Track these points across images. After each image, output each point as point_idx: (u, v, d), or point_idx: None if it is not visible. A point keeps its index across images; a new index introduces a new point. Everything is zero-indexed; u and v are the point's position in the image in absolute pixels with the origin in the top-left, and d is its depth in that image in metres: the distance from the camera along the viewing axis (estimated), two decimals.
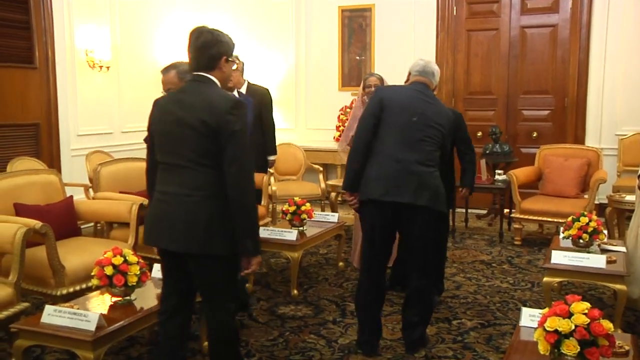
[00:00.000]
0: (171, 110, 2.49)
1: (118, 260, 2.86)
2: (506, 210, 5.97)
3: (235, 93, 4.46)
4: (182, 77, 3.22)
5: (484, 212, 6.79)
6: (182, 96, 2.52)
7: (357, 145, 3.24)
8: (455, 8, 7.02)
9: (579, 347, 2.10)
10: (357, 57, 7.42)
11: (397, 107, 3.21)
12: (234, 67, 4.40)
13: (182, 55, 6.54)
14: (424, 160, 3.17)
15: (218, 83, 2.53)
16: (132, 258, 2.91)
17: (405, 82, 3.50)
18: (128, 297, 2.92)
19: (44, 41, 5.62)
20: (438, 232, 3.41)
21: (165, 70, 3.37)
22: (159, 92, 4.07)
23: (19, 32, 5.43)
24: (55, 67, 5.72)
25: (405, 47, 7.04)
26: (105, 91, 6.30)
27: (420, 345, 3.32)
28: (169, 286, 2.65)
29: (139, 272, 2.89)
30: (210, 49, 2.51)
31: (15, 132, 5.50)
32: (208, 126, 2.37)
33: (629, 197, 4.60)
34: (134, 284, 2.88)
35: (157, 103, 2.67)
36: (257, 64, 5.33)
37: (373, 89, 4.75)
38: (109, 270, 2.82)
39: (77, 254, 3.57)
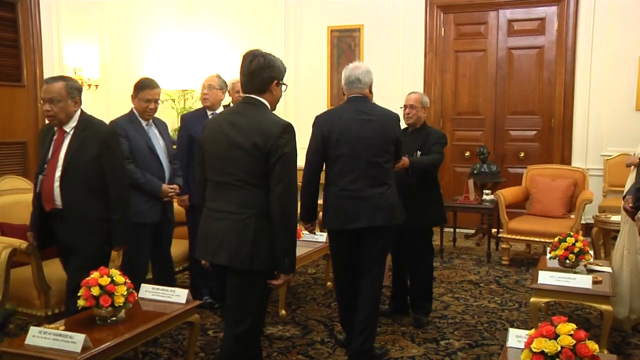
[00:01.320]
0: (224, 131, 2.61)
1: (105, 280, 2.84)
2: (494, 230, 6.00)
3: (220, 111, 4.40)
4: (70, 92, 3.15)
5: (472, 231, 6.83)
6: (234, 118, 2.63)
7: (307, 181, 3.45)
8: (443, 29, 7.13)
9: None
10: None
11: (337, 138, 3.31)
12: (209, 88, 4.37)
13: (169, 74, 6.48)
14: (374, 182, 3.32)
15: (269, 106, 2.66)
16: (119, 278, 2.89)
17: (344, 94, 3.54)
18: (114, 318, 2.90)
19: (32, 59, 5.63)
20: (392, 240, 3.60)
21: (51, 80, 3.22)
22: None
23: (7, 50, 5.44)
24: (44, 85, 5.70)
25: (394, 68, 7.12)
26: (94, 109, 6.16)
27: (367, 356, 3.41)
28: (222, 293, 2.78)
29: (125, 293, 2.88)
30: (262, 72, 2.61)
31: (2, 151, 5.48)
32: (260, 149, 2.50)
33: (615, 218, 4.64)
34: (121, 304, 2.86)
35: (208, 122, 2.80)
36: None
37: None
38: (95, 291, 2.80)
39: (63, 274, 3.54)
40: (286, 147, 2.52)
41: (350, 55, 7.40)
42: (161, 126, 3.92)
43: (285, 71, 2.73)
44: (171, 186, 3.81)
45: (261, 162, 2.52)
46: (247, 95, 2.66)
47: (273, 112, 2.69)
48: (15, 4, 5.53)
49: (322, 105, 7.59)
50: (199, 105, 4.72)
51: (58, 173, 3.12)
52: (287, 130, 2.56)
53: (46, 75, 5.69)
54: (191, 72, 7.26)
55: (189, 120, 4.36)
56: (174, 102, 7.40)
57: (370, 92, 3.47)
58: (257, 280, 2.60)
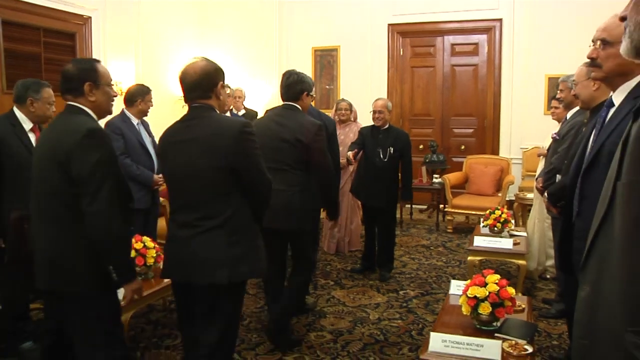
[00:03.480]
0: (271, 128, 2.76)
1: (139, 245, 2.87)
2: (441, 206, 6.06)
3: (228, 114, 4.39)
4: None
5: (425, 207, 6.88)
6: (279, 119, 2.81)
7: None
8: (402, 50, 7.12)
9: (490, 308, 2.18)
10: (327, 87, 7.45)
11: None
12: (228, 91, 4.35)
13: None
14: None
15: (301, 109, 2.83)
16: (150, 244, 2.91)
17: None
18: (146, 274, 2.91)
19: None
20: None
21: (44, 85, 2.89)
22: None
23: None
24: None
25: (364, 79, 7.09)
26: None
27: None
28: (269, 254, 2.77)
29: (155, 255, 2.89)
30: (296, 85, 2.82)
31: None
32: (301, 142, 2.69)
33: (530, 195, 4.71)
34: (152, 263, 2.88)
35: (255, 123, 2.89)
36: (247, 91, 5.42)
37: (343, 111, 4.77)
38: (132, 253, 2.79)
39: None
40: (321, 141, 2.74)
41: (330, 69, 7.37)
42: (146, 125, 3.67)
43: (313, 85, 2.89)
44: (159, 176, 3.51)
45: (302, 151, 2.70)
46: (286, 102, 2.84)
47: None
48: (74, 35, 5.46)
49: None
50: None
51: None
52: (321, 128, 2.74)
53: None
54: None
55: None
56: None
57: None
58: (304, 237, 2.85)
